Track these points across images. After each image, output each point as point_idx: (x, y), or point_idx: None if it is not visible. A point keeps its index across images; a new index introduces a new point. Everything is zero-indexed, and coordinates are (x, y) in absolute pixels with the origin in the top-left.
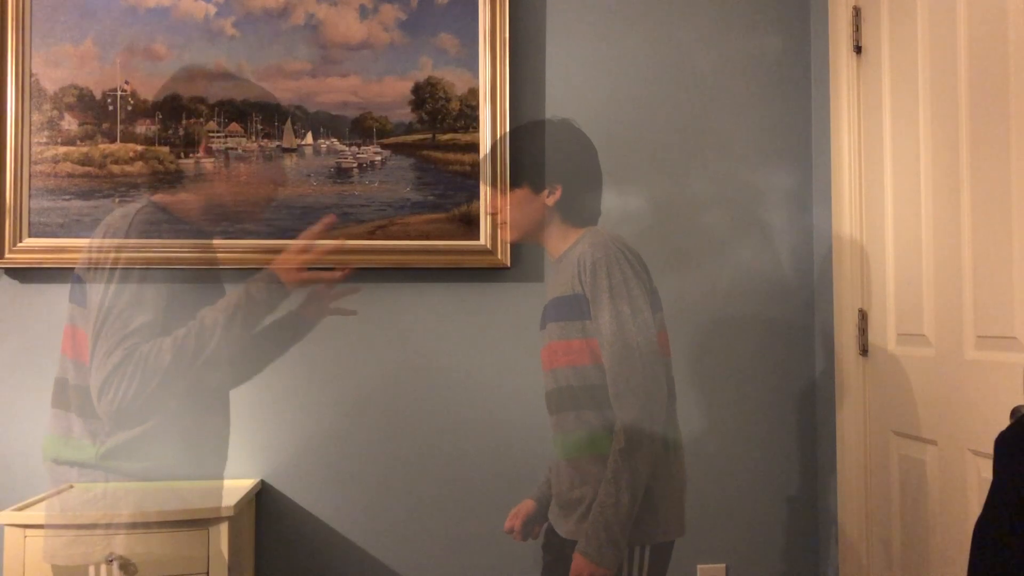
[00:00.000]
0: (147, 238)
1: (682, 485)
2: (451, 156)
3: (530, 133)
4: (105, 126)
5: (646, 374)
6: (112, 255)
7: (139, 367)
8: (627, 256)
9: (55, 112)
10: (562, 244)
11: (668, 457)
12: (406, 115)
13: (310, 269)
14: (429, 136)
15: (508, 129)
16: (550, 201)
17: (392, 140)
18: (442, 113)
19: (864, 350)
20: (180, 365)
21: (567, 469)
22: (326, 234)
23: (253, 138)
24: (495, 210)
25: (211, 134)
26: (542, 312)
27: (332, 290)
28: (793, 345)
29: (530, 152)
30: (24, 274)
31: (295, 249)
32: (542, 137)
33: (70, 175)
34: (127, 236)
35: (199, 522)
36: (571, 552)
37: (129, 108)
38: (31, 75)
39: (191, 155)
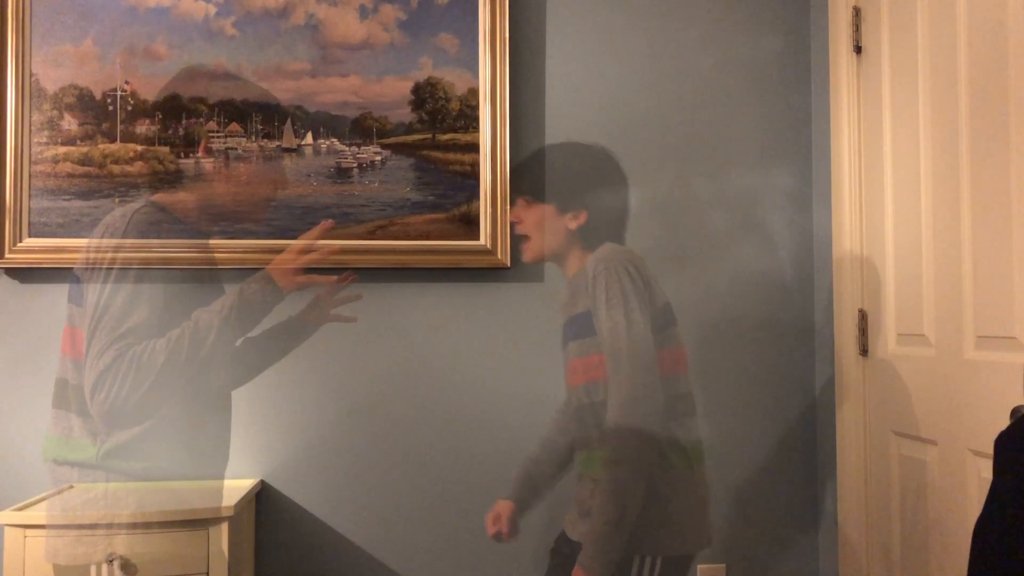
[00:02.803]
0: (146, 238)
1: (704, 499)
2: (451, 156)
3: (563, 151)
4: (105, 126)
5: (635, 384)
6: (109, 255)
7: (131, 367)
8: (628, 270)
9: (55, 112)
10: (580, 267)
11: (690, 470)
12: (406, 115)
13: (307, 272)
14: (429, 136)
15: (508, 127)
16: (573, 224)
17: (392, 140)
18: (442, 113)
19: (864, 350)
20: (174, 366)
21: (588, 477)
22: (324, 238)
23: (253, 138)
24: (518, 219)
25: (211, 134)
26: (562, 332)
27: (334, 296)
28: (793, 345)
29: (559, 170)
30: (24, 274)
31: (291, 252)
32: (574, 156)
33: (70, 175)
34: (124, 236)
35: (199, 522)
36: None
37: (129, 108)
38: (31, 75)
39: (191, 155)
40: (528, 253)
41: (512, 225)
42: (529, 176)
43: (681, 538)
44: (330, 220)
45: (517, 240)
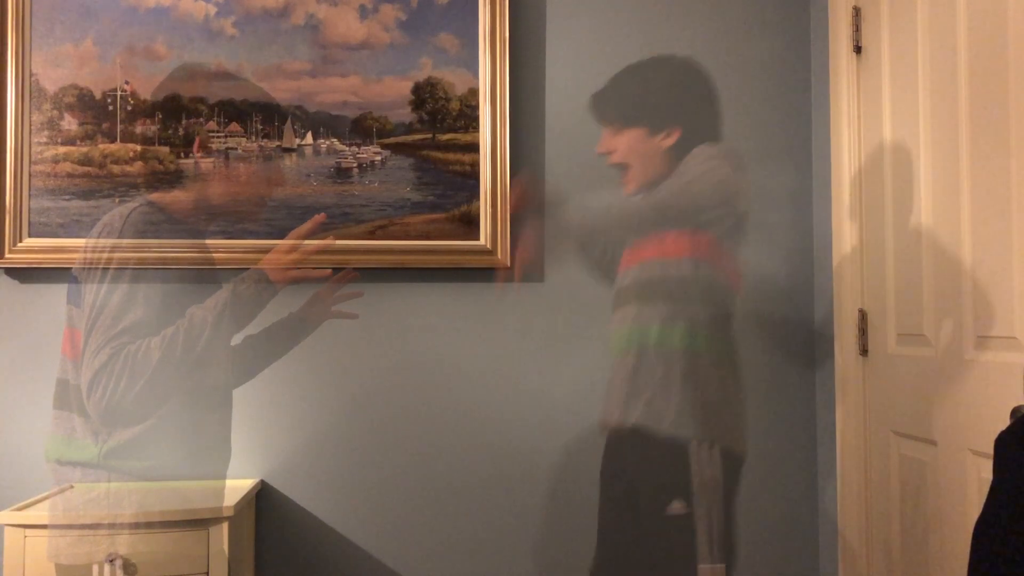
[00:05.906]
0: (143, 238)
1: (742, 416)
2: (451, 156)
3: (644, 69)
4: (105, 126)
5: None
6: (106, 255)
7: (126, 365)
8: (732, 163)
9: (55, 112)
10: None
11: (733, 382)
12: (406, 115)
13: (301, 267)
14: (429, 136)
15: (508, 127)
16: (667, 143)
17: (392, 140)
18: (442, 113)
19: (864, 350)
20: (169, 364)
21: (631, 362)
22: (317, 232)
23: (253, 138)
24: (610, 150)
25: (211, 134)
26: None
27: (334, 294)
28: (793, 345)
29: (642, 90)
30: (24, 274)
31: (283, 247)
32: (657, 72)
33: (70, 175)
34: (121, 235)
35: (199, 522)
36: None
37: (129, 108)
38: (31, 75)
39: (191, 155)
40: (632, 184)
41: (605, 156)
42: (612, 103)
43: (734, 437)
44: (323, 214)
45: (622, 176)
